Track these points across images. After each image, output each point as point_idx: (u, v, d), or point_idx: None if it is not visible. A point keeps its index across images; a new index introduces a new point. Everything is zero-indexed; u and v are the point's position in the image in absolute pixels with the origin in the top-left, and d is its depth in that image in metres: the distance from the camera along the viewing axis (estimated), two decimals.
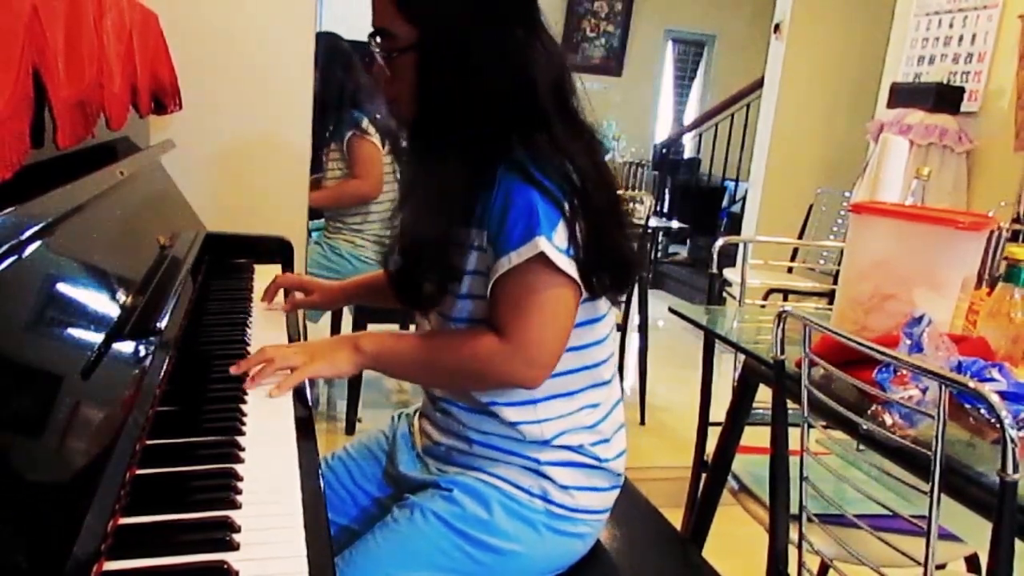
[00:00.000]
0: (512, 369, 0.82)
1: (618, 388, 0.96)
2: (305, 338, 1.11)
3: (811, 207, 3.34)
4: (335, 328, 2.67)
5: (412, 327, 3.12)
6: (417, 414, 1.02)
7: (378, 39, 0.85)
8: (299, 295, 1.20)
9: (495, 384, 0.86)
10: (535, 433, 0.88)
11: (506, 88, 0.82)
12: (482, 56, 0.81)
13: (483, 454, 0.90)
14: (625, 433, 0.97)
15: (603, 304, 0.90)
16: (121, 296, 0.81)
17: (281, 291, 1.21)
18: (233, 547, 0.59)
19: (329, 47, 2.30)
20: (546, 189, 0.79)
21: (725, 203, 5.47)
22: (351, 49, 2.35)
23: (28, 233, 0.64)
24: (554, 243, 0.79)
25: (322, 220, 2.57)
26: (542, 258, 0.78)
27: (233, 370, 0.87)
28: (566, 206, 0.79)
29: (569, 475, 0.89)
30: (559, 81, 0.85)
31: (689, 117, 6.40)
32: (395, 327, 2.78)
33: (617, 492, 0.95)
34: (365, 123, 2.28)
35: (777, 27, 3.44)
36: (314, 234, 2.57)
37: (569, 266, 0.80)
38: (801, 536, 1.01)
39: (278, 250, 1.46)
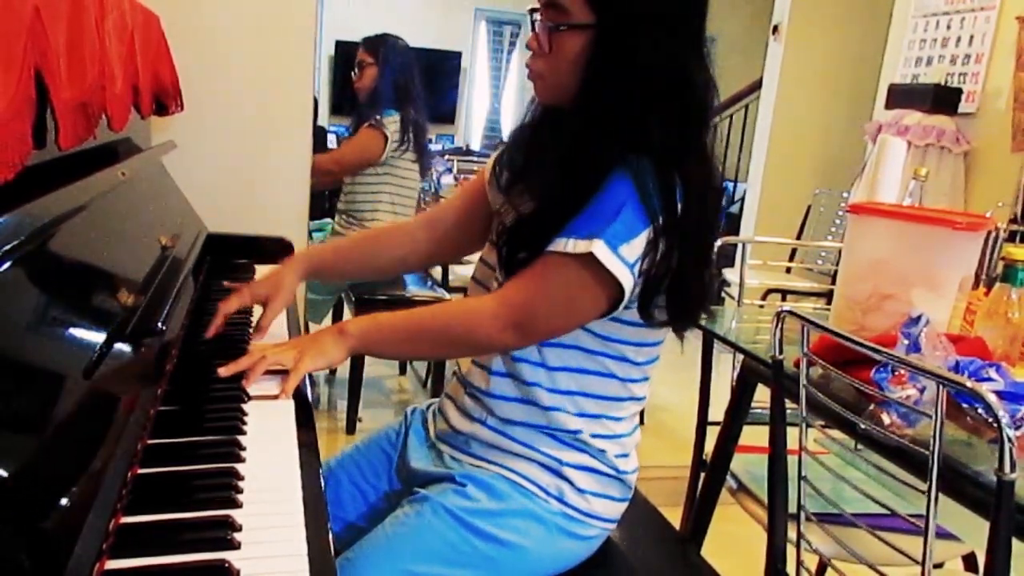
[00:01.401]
0: (484, 322, 0.83)
1: (640, 410, 0.96)
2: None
3: (809, 208, 3.35)
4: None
5: None
6: (431, 408, 1.02)
7: (544, 10, 0.85)
8: (263, 317, 1.03)
9: (475, 342, 0.87)
10: (564, 421, 0.88)
11: (661, 95, 0.82)
12: (651, 57, 0.81)
13: (504, 446, 0.90)
14: (638, 451, 0.97)
15: (661, 331, 0.89)
16: (123, 296, 0.81)
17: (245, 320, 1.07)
18: (234, 546, 0.59)
19: (392, 47, 2.40)
20: (647, 203, 0.79)
21: (724, 203, 5.47)
22: (412, 53, 2.44)
23: (30, 234, 0.64)
24: (619, 253, 0.79)
25: (324, 220, 2.59)
26: (591, 258, 0.79)
27: (222, 371, 0.86)
28: (657, 223, 0.79)
29: (586, 479, 0.90)
30: (705, 107, 0.85)
31: None
32: None
33: (627, 504, 0.96)
34: (389, 120, 2.34)
35: (776, 29, 3.45)
36: (316, 235, 2.58)
37: (624, 275, 0.79)
38: (799, 535, 1.01)
39: (279, 250, 1.46)
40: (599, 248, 0.78)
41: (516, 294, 0.83)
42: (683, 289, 0.84)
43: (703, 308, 0.89)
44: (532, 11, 0.86)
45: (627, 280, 0.80)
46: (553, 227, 0.82)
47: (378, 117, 2.32)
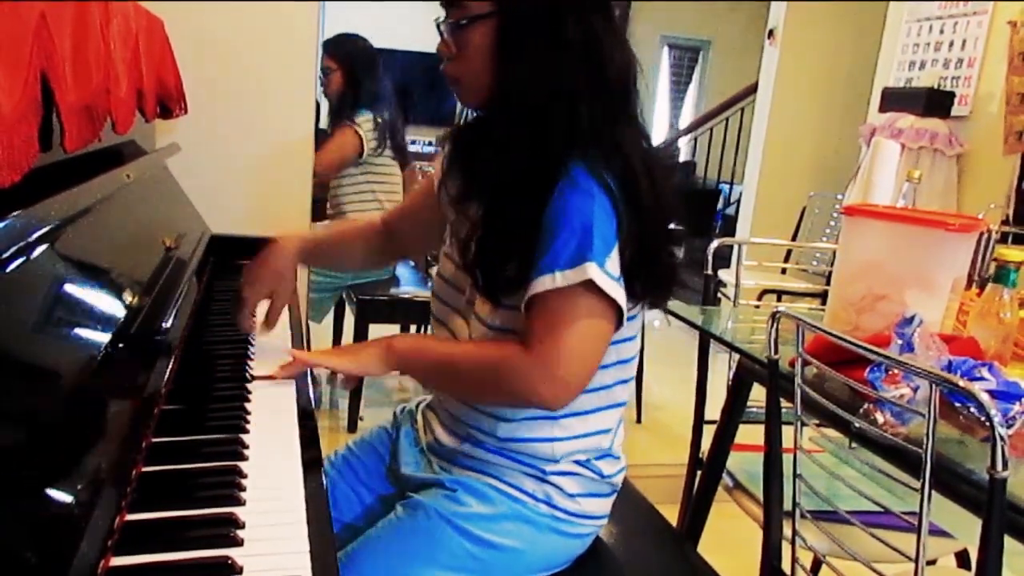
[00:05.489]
0: (534, 386, 0.78)
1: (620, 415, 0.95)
2: (308, 336, 1.11)
3: (804, 209, 3.36)
4: (337, 329, 2.68)
5: (412, 328, 3.07)
6: (420, 408, 1.02)
7: (446, 12, 0.83)
8: (272, 310, 1.03)
9: (515, 397, 0.82)
10: (546, 452, 0.88)
11: (580, 74, 0.77)
12: (558, 35, 0.77)
13: (488, 459, 0.90)
14: (624, 449, 0.96)
15: (635, 324, 0.87)
16: (127, 297, 0.82)
17: (260, 312, 1.05)
18: (237, 543, 0.60)
19: (354, 49, 2.37)
20: (605, 202, 0.76)
21: (720, 205, 5.49)
22: (375, 52, 2.42)
23: (36, 235, 0.65)
24: (606, 269, 0.76)
25: (325, 222, 2.59)
26: (590, 284, 0.76)
27: (257, 373, 0.83)
28: (620, 216, 0.77)
29: (572, 484, 0.90)
30: (627, 80, 0.81)
31: (684, 121, 6.43)
32: (396, 328, 2.78)
33: (615, 497, 0.96)
34: (362, 119, 2.33)
35: (771, 33, 3.47)
36: None
37: (618, 293, 0.77)
38: (794, 532, 1.02)
39: None
40: (593, 271, 0.75)
41: (552, 348, 0.77)
42: (652, 262, 0.82)
43: (674, 278, 0.86)
44: (437, 20, 0.84)
45: (620, 296, 0.78)
46: (517, 245, 0.78)
47: (356, 119, 2.31)
